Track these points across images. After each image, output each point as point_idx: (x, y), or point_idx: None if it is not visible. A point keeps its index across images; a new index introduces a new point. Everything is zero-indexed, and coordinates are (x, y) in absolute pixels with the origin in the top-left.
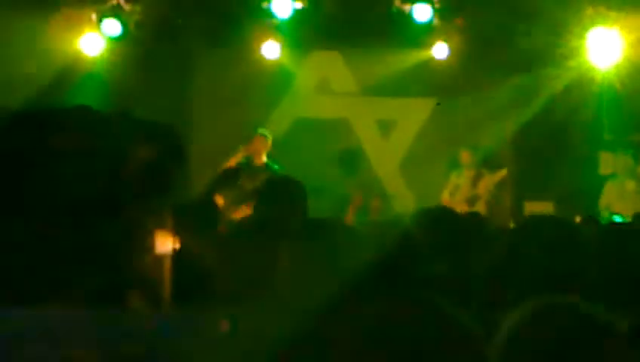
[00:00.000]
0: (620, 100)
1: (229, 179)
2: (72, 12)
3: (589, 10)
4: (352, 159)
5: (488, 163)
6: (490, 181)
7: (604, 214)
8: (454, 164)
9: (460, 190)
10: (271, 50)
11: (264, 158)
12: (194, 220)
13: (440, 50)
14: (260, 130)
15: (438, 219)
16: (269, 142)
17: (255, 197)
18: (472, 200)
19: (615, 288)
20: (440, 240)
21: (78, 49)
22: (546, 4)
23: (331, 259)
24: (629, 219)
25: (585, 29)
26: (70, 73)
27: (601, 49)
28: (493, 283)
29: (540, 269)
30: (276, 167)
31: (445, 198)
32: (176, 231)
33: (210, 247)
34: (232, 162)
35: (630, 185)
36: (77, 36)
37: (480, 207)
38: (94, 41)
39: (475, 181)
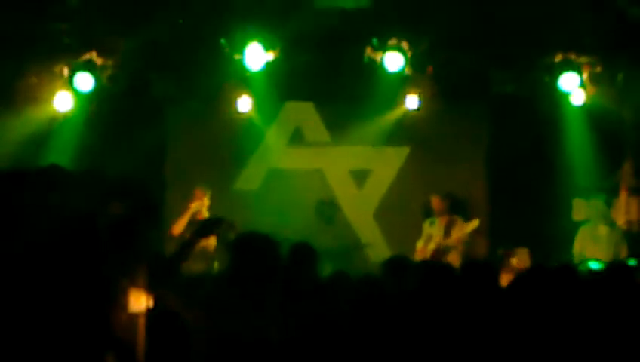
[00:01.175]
0: (591, 146)
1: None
2: (44, 67)
3: (559, 56)
4: (329, 209)
5: (461, 210)
6: (462, 230)
7: (578, 260)
8: (428, 213)
9: (434, 239)
10: (243, 104)
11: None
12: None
13: (411, 101)
14: (199, 185)
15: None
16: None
17: (228, 252)
18: (443, 251)
19: None
20: None
21: (51, 106)
22: (517, 50)
23: None
24: (603, 265)
25: (555, 74)
26: (43, 131)
27: (572, 94)
28: None
29: None
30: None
31: (419, 248)
32: (152, 290)
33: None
34: (181, 224)
35: (603, 230)
36: (49, 94)
37: (453, 256)
38: (66, 98)
39: (447, 229)
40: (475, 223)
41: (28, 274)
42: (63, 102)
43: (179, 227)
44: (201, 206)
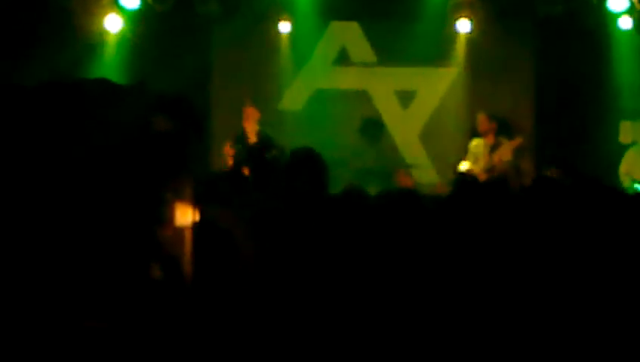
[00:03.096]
0: (639, 69)
1: (255, 153)
2: None
3: None
4: (374, 128)
5: (508, 131)
6: (507, 149)
7: (624, 181)
8: (475, 133)
9: (480, 159)
10: (284, 26)
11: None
12: (224, 191)
13: (463, 25)
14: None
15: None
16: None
17: (279, 172)
18: (490, 170)
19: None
20: None
21: (101, 27)
22: None
23: None
24: None
25: None
26: (94, 50)
27: (619, 16)
28: None
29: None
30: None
31: (462, 168)
32: (201, 203)
33: (239, 220)
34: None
35: None
36: (100, 15)
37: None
38: (116, 19)
39: (492, 150)
40: (519, 140)
41: (74, 185)
42: (112, 22)
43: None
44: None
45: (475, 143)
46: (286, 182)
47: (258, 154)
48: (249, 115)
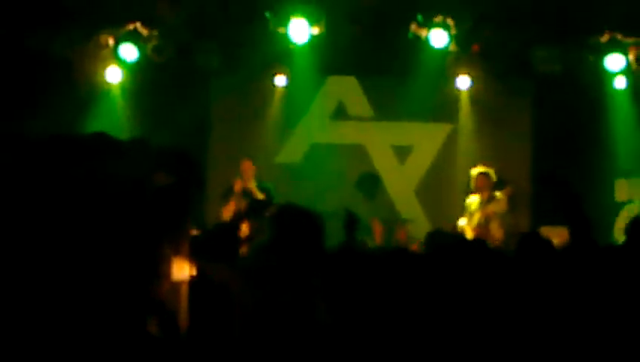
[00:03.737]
0: (635, 127)
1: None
2: (89, 38)
3: (606, 36)
4: (371, 183)
5: (503, 187)
6: (501, 201)
7: (620, 239)
8: (469, 190)
9: (475, 215)
10: (280, 80)
11: (251, 182)
12: (215, 248)
13: (463, 82)
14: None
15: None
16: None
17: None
18: (482, 225)
19: None
20: None
21: (101, 78)
22: (563, 29)
23: None
24: None
25: (601, 54)
26: (94, 101)
27: (616, 75)
28: None
29: None
30: (269, 185)
31: (461, 225)
32: (196, 259)
33: (232, 275)
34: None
35: None
36: (100, 67)
37: (494, 232)
38: (116, 71)
39: (486, 203)
40: (509, 190)
41: (74, 239)
42: (113, 74)
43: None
44: (248, 179)
45: (470, 200)
46: (282, 238)
47: (261, 208)
48: (246, 169)
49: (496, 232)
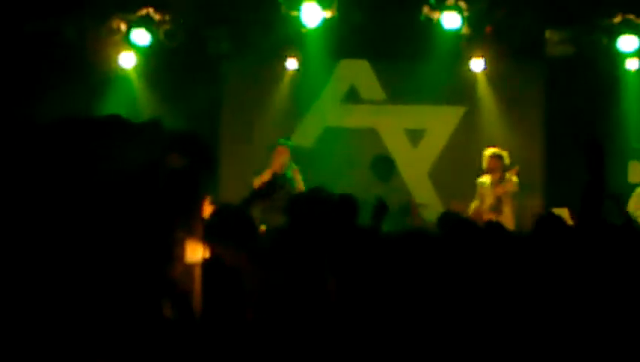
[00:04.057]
0: None
1: (264, 193)
2: (102, 23)
3: (618, 17)
4: (385, 165)
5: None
6: (511, 181)
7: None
8: (481, 171)
9: (485, 199)
10: (291, 63)
11: (284, 169)
12: (230, 232)
13: (477, 64)
14: (280, 141)
15: None
16: (289, 150)
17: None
18: (496, 207)
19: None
20: None
21: (114, 63)
22: (575, 10)
23: None
24: None
25: (614, 35)
26: (107, 86)
27: (629, 56)
28: None
29: None
30: (293, 168)
31: (473, 208)
32: (210, 242)
33: (244, 258)
34: (260, 181)
35: None
36: (113, 52)
37: (507, 213)
38: (129, 56)
39: (498, 183)
40: (516, 168)
41: (86, 222)
42: (126, 58)
43: (260, 180)
44: (280, 164)
45: (482, 181)
46: (297, 224)
47: (270, 192)
48: (277, 156)
49: (509, 213)
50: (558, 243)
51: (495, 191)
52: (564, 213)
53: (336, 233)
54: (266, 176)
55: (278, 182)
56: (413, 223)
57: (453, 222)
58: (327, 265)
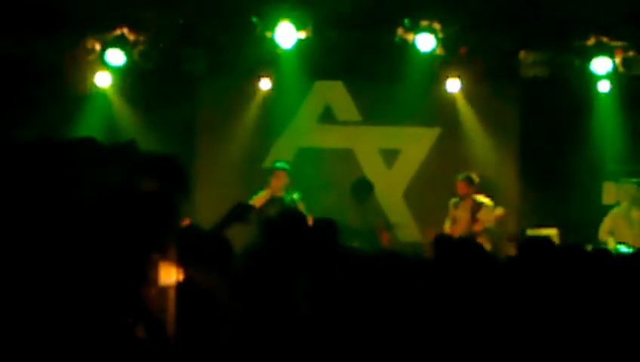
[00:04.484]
0: (622, 130)
1: (240, 213)
2: (76, 43)
3: (592, 40)
4: (365, 188)
5: (489, 191)
6: (489, 215)
7: (607, 241)
8: (454, 193)
9: (460, 222)
10: (265, 83)
11: (282, 192)
12: (205, 255)
13: (452, 85)
14: (279, 165)
15: None
16: (286, 174)
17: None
18: (473, 236)
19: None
20: None
21: (90, 83)
22: (550, 32)
23: None
24: (633, 249)
25: (588, 57)
26: (82, 106)
27: (602, 78)
28: None
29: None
30: (295, 196)
31: (446, 229)
32: (184, 265)
33: (221, 282)
34: (259, 203)
35: (636, 214)
36: (88, 71)
37: (483, 240)
38: (105, 75)
39: (473, 213)
40: (499, 211)
41: (59, 245)
42: (102, 78)
43: (259, 201)
44: (278, 187)
45: (454, 202)
46: (271, 245)
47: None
48: (276, 180)
49: (483, 242)
50: (546, 265)
51: (470, 226)
52: (552, 232)
53: (311, 255)
54: (264, 198)
55: (276, 204)
56: (383, 244)
57: (450, 244)
58: (300, 286)
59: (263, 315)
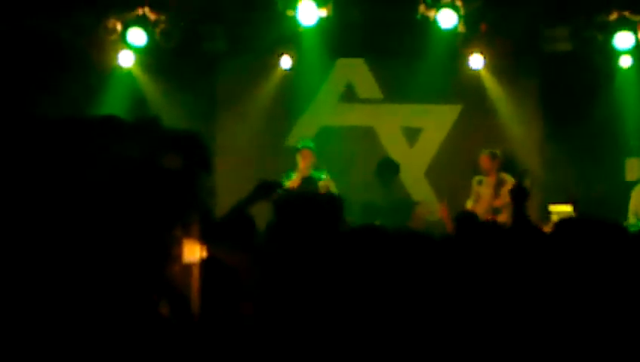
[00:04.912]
0: None
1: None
2: (97, 23)
3: (615, 14)
4: (391, 169)
5: (513, 168)
6: (507, 197)
7: (632, 220)
8: (477, 171)
9: (483, 199)
10: (286, 61)
11: (310, 170)
12: (229, 233)
13: (476, 61)
14: (303, 144)
15: None
16: (312, 152)
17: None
18: (495, 211)
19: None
20: None
21: (112, 62)
22: (572, 7)
23: None
24: None
25: (610, 32)
26: (105, 85)
27: (625, 53)
28: None
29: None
30: (322, 176)
31: (468, 207)
32: (209, 243)
33: (244, 260)
34: (293, 185)
35: None
36: (111, 51)
37: (505, 215)
38: (128, 55)
39: (496, 189)
40: (526, 183)
41: (82, 221)
42: (125, 57)
43: (293, 184)
44: (306, 166)
45: (477, 180)
46: (283, 224)
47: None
48: (302, 159)
49: (507, 218)
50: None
51: (493, 201)
52: (568, 208)
53: (320, 233)
54: (296, 181)
55: (311, 183)
56: (413, 225)
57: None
58: (312, 264)
59: (283, 292)
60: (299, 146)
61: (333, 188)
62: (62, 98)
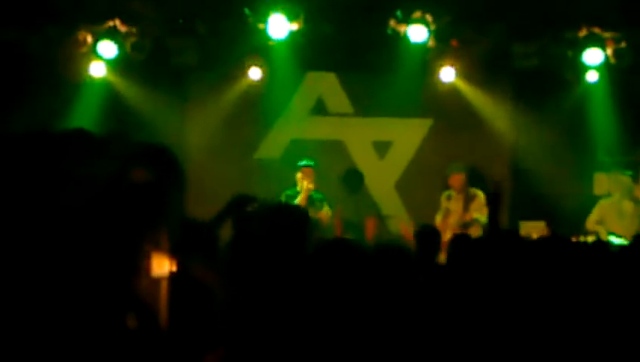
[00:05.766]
0: (614, 121)
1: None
2: (68, 35)
3: (584, 31)
4: (355, 178)
5: (481, 183)
6: (480, 206)
7: (598, 231)
8: (447, 185)
9: (453, 213)
10: (255, 73)
11: (312, 188)
12: (197, 246)
13: (447, 74)
14: (305, 162)
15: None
16: (313, 170)
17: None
18: (465, 226)
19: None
20: None
21: (83, 74)
22: (541, 23)
23: None
24: (625, 241)
25: (579, 48)
26: (75, 97)
27: (591, 69)
28: None
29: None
30: (318, 195)
31: (437, 222)
32: (177, 255)
33: (209, 271)
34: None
35: (628, 205)
36: (82, 62)
37: (476, 229)
38: (99, 66)
39: (466, 204)
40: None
41: (49, 235)
42: (96, 69)
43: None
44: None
45: (447, 195)
46: (263, 236)
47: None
48: (303, 177)
49: (477, 233)
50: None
51: (464, 217)
52: (540, 226)
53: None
54: (303, 199)
55: (310, 204)
56: (367, 237)
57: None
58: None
59: (251, 306)
60: (300, 164)
61: (328, 211)
62: (31, 110)
